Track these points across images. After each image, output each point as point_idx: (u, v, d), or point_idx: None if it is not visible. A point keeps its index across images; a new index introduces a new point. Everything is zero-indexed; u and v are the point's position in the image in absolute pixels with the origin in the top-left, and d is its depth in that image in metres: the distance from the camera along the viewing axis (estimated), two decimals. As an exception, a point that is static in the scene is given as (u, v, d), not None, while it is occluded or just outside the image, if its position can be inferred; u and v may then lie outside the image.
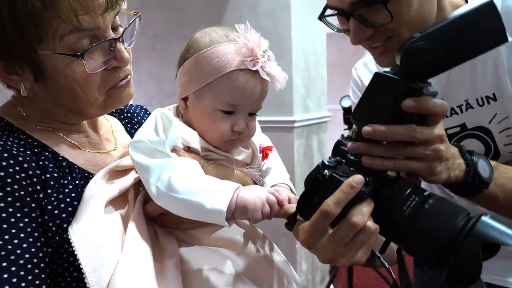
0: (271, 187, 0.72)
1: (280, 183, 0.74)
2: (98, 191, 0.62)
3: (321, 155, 2.61)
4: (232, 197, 0.58)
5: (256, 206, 0.59)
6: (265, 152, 0.76)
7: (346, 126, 2.68)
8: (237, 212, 0.59)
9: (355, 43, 0.69)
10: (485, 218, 0.47)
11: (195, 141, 0.68)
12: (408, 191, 0.52)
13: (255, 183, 0.73)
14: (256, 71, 0.65)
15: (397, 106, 0.53)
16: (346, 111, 2.64)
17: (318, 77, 2.56)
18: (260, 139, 0.77)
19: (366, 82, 0.93)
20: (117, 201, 0.64)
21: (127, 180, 0.66)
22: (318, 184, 0.53)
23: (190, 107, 0.70)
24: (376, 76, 0.55)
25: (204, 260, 0.65)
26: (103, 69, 0.63)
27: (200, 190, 0.59)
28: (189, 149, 0.68)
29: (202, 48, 0.67)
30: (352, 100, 1.03)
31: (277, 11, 2.21)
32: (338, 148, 0.59)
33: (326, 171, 0.53)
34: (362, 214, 0.50)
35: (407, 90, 0.53)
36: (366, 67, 0.97)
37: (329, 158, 0.56)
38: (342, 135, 0.70)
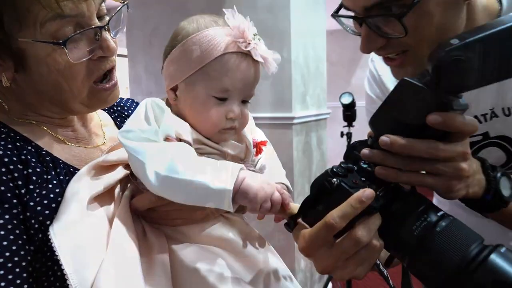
0: None
1: (277, 182, 0.72)
2: (82, 188, 0.59)
3: (320, 153, 2.59)
4: (237, 176, 0.56)
5: (257, 198, 0.56)
6: (259, 147, 0.74)
7: (345, 124, 2.65)
8: (238, 195, 0.56)
9: (365, 51, 0.65)
10: (502, 250, 0.43)
11: (186, 133, 0.65)
12: (421, 209, 0.49)
13: None
14: (248, 54, 0.63)
15: (422, 118, 0.49)
16: (346, 108, 2.61)
17: (317, 73, 2.53)
18: (253, 133, 0.75)
19: (384, 76, 0.90)
20: (103, 198, 0.61)
21: (114, 176, 0.63)
22: (324, 192, 0.49)
23: (181, 97, 0.68)
24: (403, 82, 0.50)
25: (195, 258, 0.62)
26: (87, 58, 0.60)
27: (204, 169, 0.57)
28: (180, 141, 0.65)
29: (191, 33, 0.64)
30: (367, 93, 0.98)
31: (277, 7, 2.18)
32: (351, 152, 0.55)
33: (334, 179, 0.49)
34: (368, 230, 0.47)
35: (435, 103, 0.48)
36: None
37: (340, 164, 0.52)
38: (347, 135, 0.67)
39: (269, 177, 0.73)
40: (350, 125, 2.65)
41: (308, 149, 2.44)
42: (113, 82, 0.66)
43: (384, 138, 0.50)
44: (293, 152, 2.24)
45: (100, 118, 0.79)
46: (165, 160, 0.58)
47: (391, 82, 0.89)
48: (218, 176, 0.56)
